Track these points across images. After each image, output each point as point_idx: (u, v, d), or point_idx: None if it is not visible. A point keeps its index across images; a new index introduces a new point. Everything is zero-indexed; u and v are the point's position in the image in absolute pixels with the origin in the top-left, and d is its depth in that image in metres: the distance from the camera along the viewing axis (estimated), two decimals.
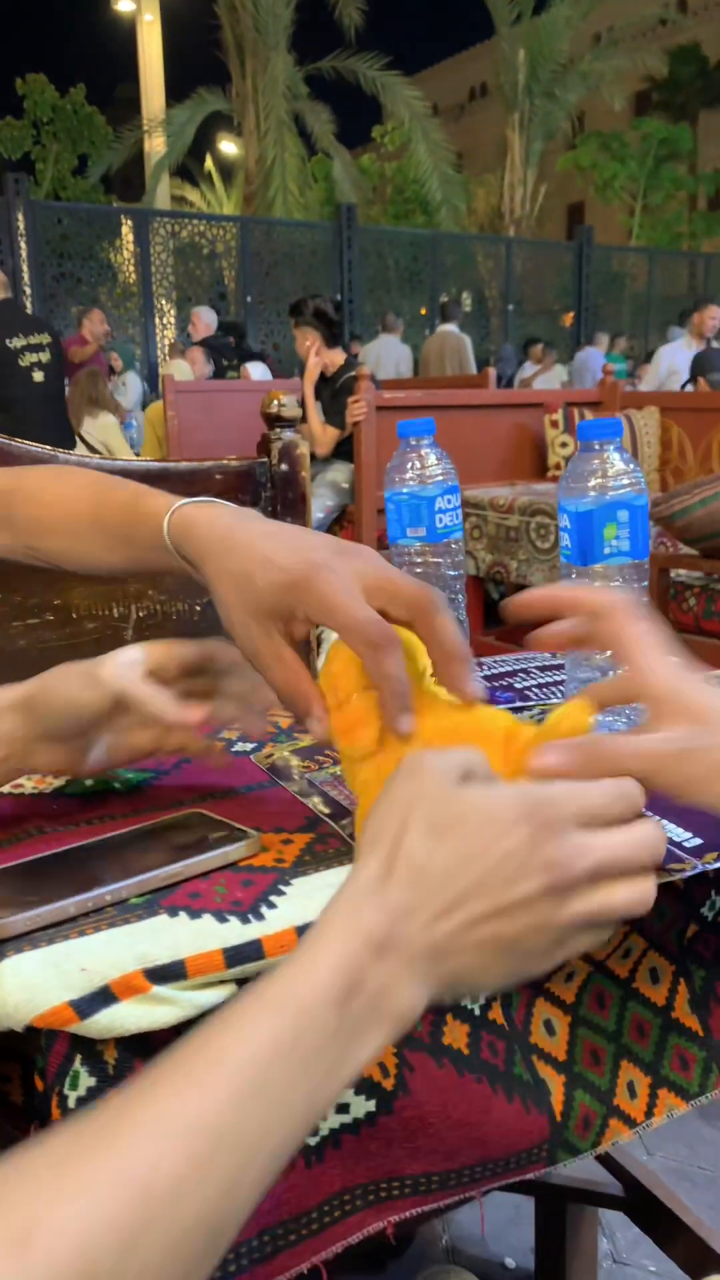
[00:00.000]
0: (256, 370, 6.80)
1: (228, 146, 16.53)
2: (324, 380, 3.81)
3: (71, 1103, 0.50)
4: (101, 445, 5.21)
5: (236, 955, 0.51)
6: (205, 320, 7.58)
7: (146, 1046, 0.51)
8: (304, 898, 0.54)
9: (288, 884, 0.56)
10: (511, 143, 14.11)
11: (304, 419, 1.50)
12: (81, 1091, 0.51)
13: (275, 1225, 0.54)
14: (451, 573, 0.88)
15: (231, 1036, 0.35)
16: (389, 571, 0.55)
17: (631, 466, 0.76)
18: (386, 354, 7.87)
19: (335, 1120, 0.55)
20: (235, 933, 0.52)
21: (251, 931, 0.52)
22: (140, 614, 1.46)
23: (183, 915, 0.53)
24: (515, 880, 0.38)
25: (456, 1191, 0.60)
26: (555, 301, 13.45)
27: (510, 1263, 1.27)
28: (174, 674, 0.63)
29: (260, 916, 0.53)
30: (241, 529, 0.57)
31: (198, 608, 1.50)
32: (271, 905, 0.54)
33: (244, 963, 0.51)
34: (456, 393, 4.10)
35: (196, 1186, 0.32)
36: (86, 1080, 0.51)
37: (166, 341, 10.70)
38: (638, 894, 0.41)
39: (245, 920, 0.52)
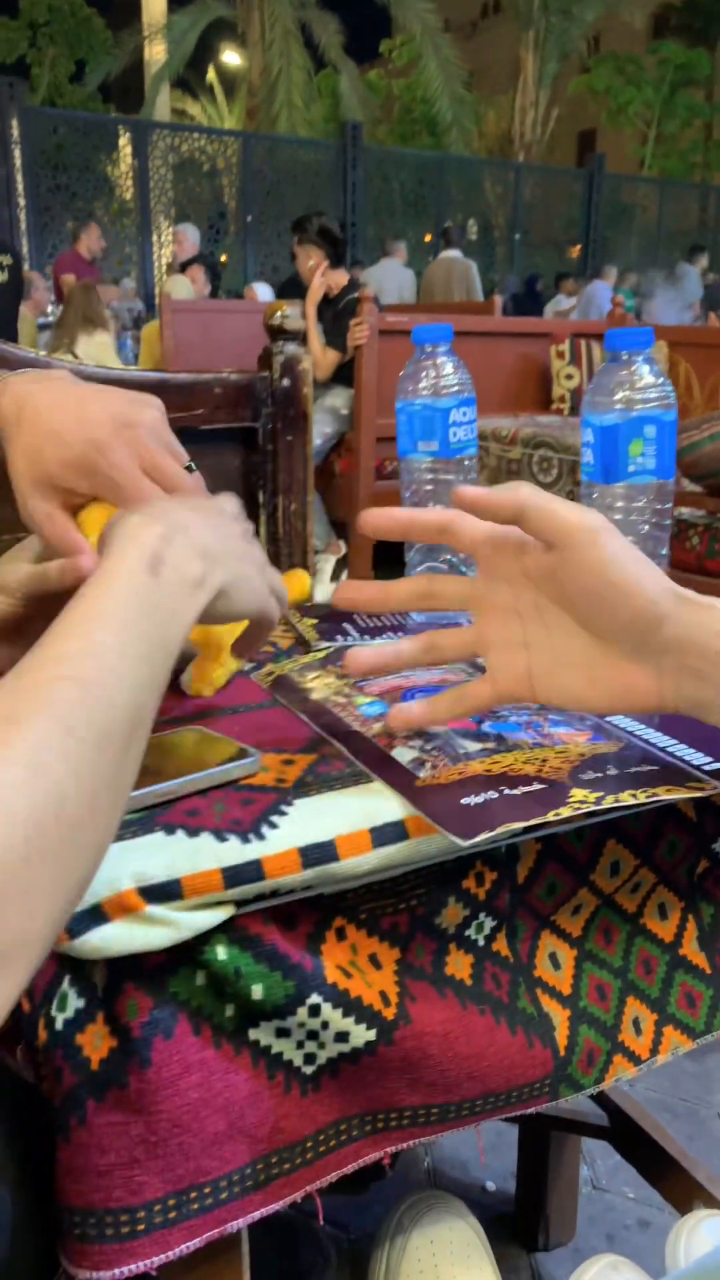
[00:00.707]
0: (263, 291, 6.61)
1: (230, 57, 15.90)
2: (326, 302, 3.70)
3: (59, 1025, 0.48)
4: (96, 365, 5.08)
5: (235, 875, 0.48)
6: (191, 239, 7.33)
7: (138, 968, 0.48)
8: (307, 818, 0.51)
9: (289, 804, 0.53)
10: (525, 63, 13.59)
11: (303, 341, 1.44)
12: (69, 1014, 0.48)
13: (270, 1153, 0.52)
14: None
15: (88, 617, 0.43)
16: (161, 450, 0.60)
17: (661, 380, 0.71)
18: (389, 278, 7.64)
19: (334, 1049, 0.53)
20: (234, 852, 0.49)
21: (251, 851, 0.49)
22: None
23: (180, 833, 0.50)
24: (226, 520, 0.55)
25: (455, 1124, 0.58)
26: (562, 233, 13.12)
27: (491, 1186, 1.28)
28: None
29: (261, 836, 0.50)
30: (32, 401, 0.60)
31: None
32: (273, 825, 0.51)
33: (243, 883, 0.48)
34: (463, 319, 3.99)
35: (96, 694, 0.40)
36: (75, 1002, 0.48)
37: (164, 261, 10.42)
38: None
39: (245, 839, 0.49)
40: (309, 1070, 0.53)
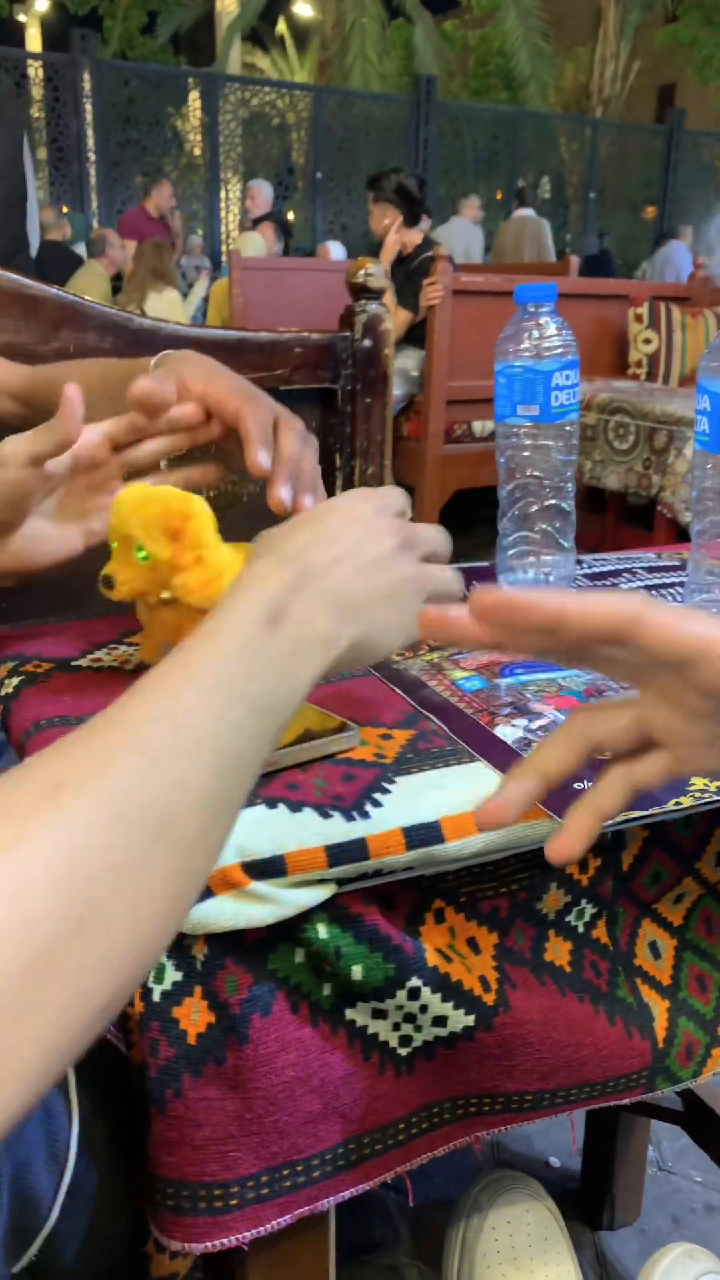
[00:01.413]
0: (336, 249, 6.51)
1: (302, 9, 15.63)
2: (399, 260, 3.63)
3: (156, 996, 0.47)
4: (163, 321, 5.07)
5: (340, 853, 0.47)
6: (264, 195, 7.24)
7: (238, 944, 0.47)
8: (410, 797, 0.50)
9: (391, 781, 0.51)
10: (606, 12, 13.13)
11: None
12: (167, 986, 0.47)
13: (362, 1134, 0.51)
14: (563, 458, 0.81)
15: (183, 670, 0.37)
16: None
17: None
18: (457, 237, 7.49)
19: (430, 1032, 0.52)
20: (339, 829, 0.47)
21: (356, 830, 0.47)
22: (210, 494, 1.40)
23: (282, 807, 0.49)
24: (376, 540, 0.47)
25: (548, 1111, 0.57)
26: (638, 192, 12.73)
27: (555, 1162, 1.27)
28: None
29: (365, 814, 0.48)
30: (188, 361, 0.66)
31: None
32: (376, 804, 0.49)
33: (346, 862, 0.47)
34: (538, 279, 3.91)
35: (185, 768, 0.35)
36: (172, 975, 0.47)
37: (231, 218, 10.34)
38: (452, 575, 0.51)
39: (349, 817, 0.48)
40: (404, 1052, 0.52)
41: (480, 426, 3.60)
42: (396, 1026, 0.51)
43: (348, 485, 1.44)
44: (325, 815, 0.48)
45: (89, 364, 0.80)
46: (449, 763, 0.53)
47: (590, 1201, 1.19)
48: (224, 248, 10.08)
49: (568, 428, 0.80)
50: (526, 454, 0.80)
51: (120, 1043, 0.51)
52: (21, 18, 14.99)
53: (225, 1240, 0.48)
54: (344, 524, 0.46)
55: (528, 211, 7.43)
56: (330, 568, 0.44)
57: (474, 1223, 0.74)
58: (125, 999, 0.33)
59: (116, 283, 6.09)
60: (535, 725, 0.56)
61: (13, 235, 2.52)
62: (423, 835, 0.48)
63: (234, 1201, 0.48)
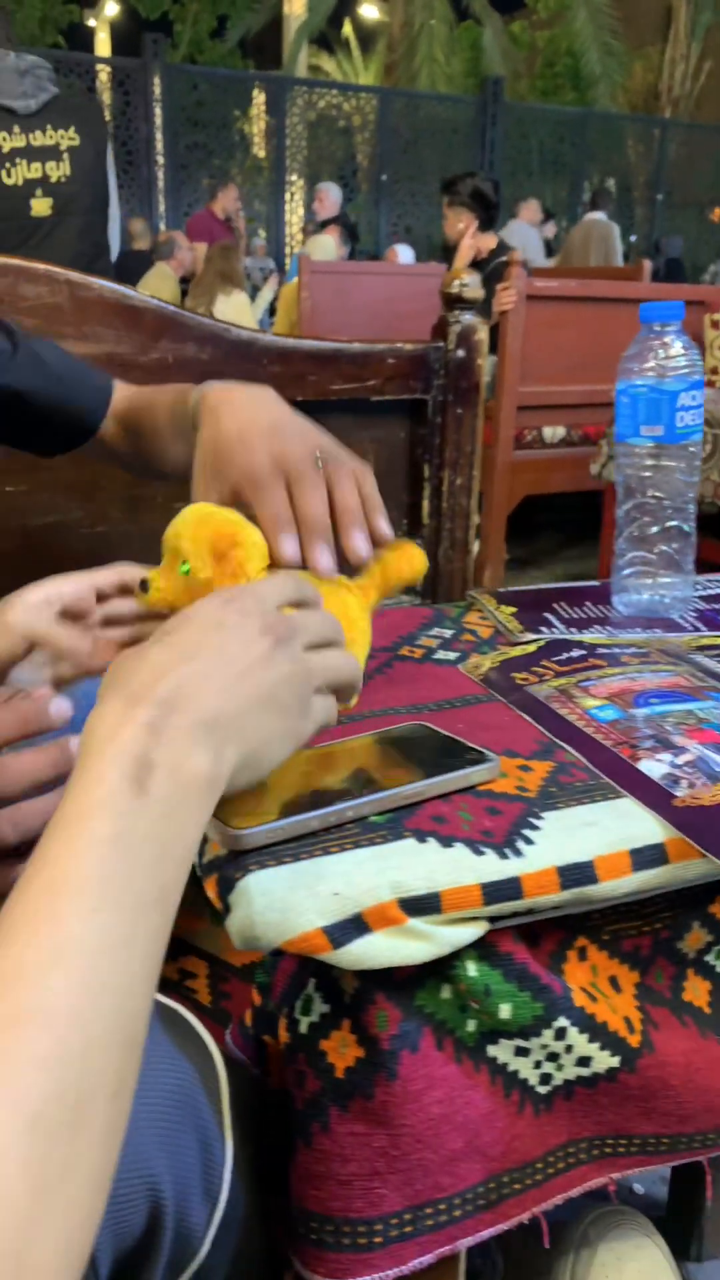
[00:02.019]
0: (405, 253, 6.50)
1: (369, 11, 15.64)
2: (473, 265, 3.62)
3: (303, 1028, 0.47)
4: (232, 325, 5.10)
5: (494, 892, 0.46)
6: (333, 198, 7.26)
7: (388, 979, 0.46)
8: (563, 834, 0.49)
9: (539, 818, 0.50)
10: (677, 12, 12.96)
11: (480, 310, 1.40)
12: (314, 1017, 0.47)
13: (502, 1172, 0.51)
14: (686, 479, 0.79)
15: (52, 868, 0.33)
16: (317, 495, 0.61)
17: None
18: (514, 240, 7.43)
19: (572, 1072, 0.51)
20: (493, 867, 0.47)
21: (510, 868, 0.47)
22: None
23: (432, 841, 0.48)
24: (243, 644, 0.43)
25: (685, 1155, 0.56)
26: (706, 193, 12.53)
27: (639, 1188, 1.25)
28: (89, 606, 0.62)
29: (518, 852, 0.48)
30: (225, 406, 0.67)
31: None
32: (528, 841, 0.48)
33: (501, 900, 0.46)
34: (612, 284, 3.85)
35: (95, 998, 0.31)
36: (320, 1006, 0.47)
37: (295, 220, 10.38)
38: (344, 660, 0.49)
39: (503, 855, 0.47)
40: (543, 1090, 0.51)
41: (551, 433, 3.57)
42: (538, 1065, 0.50)
43: (436, 497, 1.43)
44: (478, 852, 0.47)
45: (164, 391, 0.84)
46: (594, 798, 0.52)
47: (677, 1231, 1.17)
48: (287, 250, 10.13)
49: (691, 448, 0.78)
50: (647, 474, 0.79)
51: (246, 1057, 0.51)
52: (91, 23, 15.20)
53: (369, 1278, 0.47)
54: (201, 634, 0.42)
55: (599, 215, 7.35)
56: (191, 692, 0.39)
57: (583, 1257, 0.73)
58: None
59: (184, 285, 6.15)
60: (681, 760, 0.55)
61: (94, 241, 2.56)
62: (577, 875, 0.47)
63: (378, 1239, 0.47)
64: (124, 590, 0.64)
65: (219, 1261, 0.46)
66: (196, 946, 0.61)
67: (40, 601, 0.60)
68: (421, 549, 0.67)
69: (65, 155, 2.40)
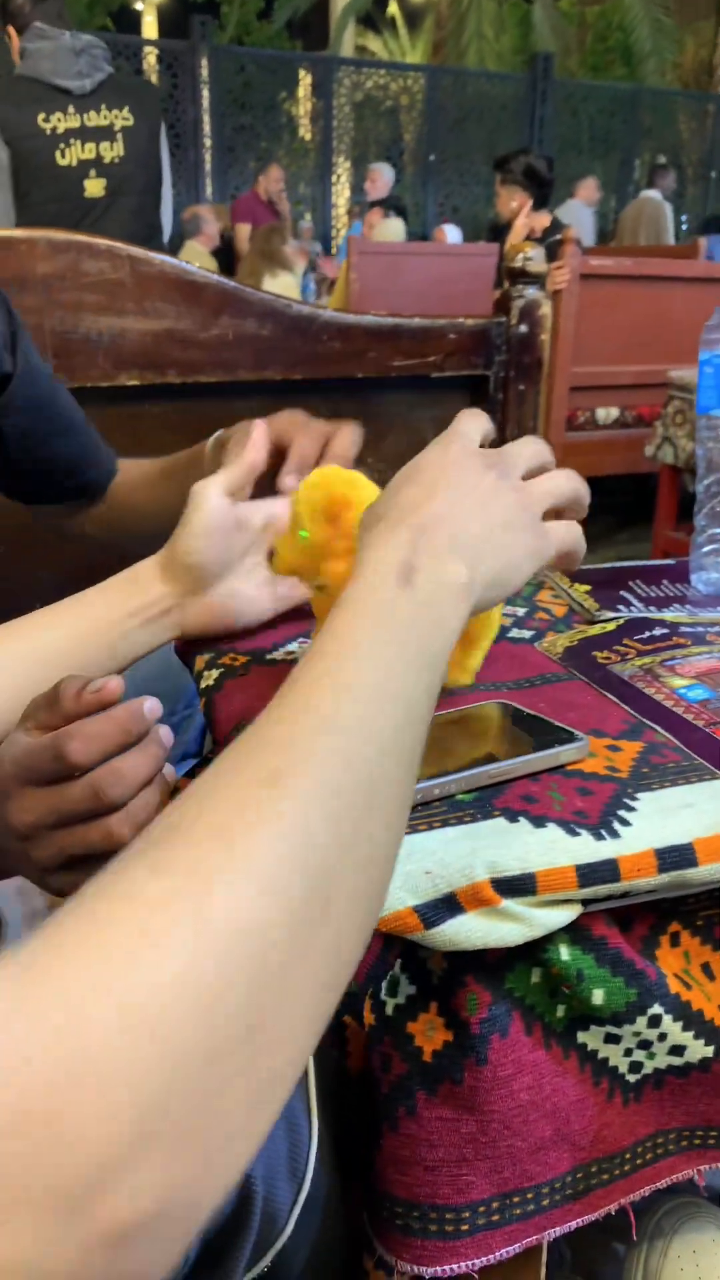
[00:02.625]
0: (453, 233, 6.43)
1: None
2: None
3: (389, 1009, 0.46)
4: None
5: (590, 874, 0.44)
6: (385, 178, 7.20)
7: (478, 961, 0.45)
8: (660, 816, 0.47)
9: (634, 799, 0.49)
10: None
11: (543, 285, 1.38)
12: (401, 1000, 0.46)
13: (590, 1162, 0.49)
14: None
15: (337, 645, 0.37)
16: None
17: None
18: (569, 221, 7.32)
19: (664, 1060, 0.49)
20: (588, 848, 0.45)
21: (606, 849, 0.45)
22: None
23: (524, 821, 0.47)
24: (473, 478, 0.46)
25: None
26: None
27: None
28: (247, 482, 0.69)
29: (615, 834, 0.46)
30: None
31: None
32: (625, 822, 0.47)
33: (597, 883, 0.44)
34: (667, 263, 3.78)
35: (360, 741, 0.35)
36: (406, 988, 0.46)
37: (342, 201, 10.32)
38: (562, 481, 0.50)
39: (598, 836, 0.46)
40: (633, 1079, 0.50)
41: (604, 414, 3.52)
42: (629, 1052, 0.49)
43: None
44: (573, 833, 0.46)
45: (147, 464, 0.90)
46: (690, 779, 0.50)
47: None
48: (334, 232, 10.07)
49: None
50: None
51: (330, 1046, 0.50)
52: (139, 5, 15.20)
53: (455, 1266, 0.46)
54: (438, 473, 0.46)
55: (653, 193, 7.22)
56: (443, 517, 0.43)
57: (657, 1247, 0.72)
58: (356, 966, 0.34)
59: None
60: None
61: (148, 223, 2.55)
62: (675, 858, 0.45)
63: (465, 1227, 0.46)
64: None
65: (301, 1242, 0.46)
66: None
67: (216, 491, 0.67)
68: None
69: (119, 135, 2.39)
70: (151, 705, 0.49)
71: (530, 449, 0.50)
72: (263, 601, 0.71)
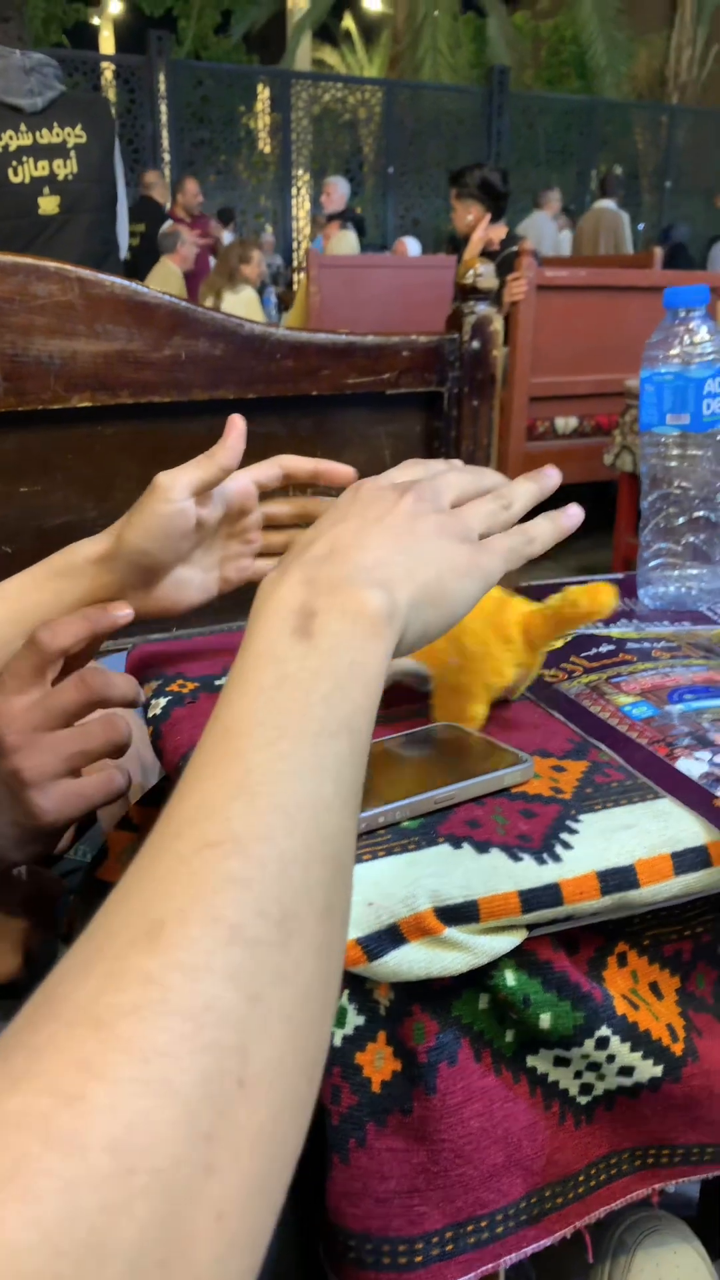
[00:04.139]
0: (413, 245, 6.46)
1: (372, 3, 15.57)
2: (484, 256, 3.59)
3: (338, 1040, 0.46)
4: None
5: (532, 899, 0.44)
6: (340, 191, 7.22)
7: (424, 990, 0.45)
8: (601, 838, 0.47)
9: (577, 820, 0.49)
10: None
11: (494, 301, 1.39)
12: (349, 1030, 0.46)
13: (544, 1186, 0.49)
14: (713, 467, 0.77)
15: (234, 730, 0.33)
16: None
17: None
18: (529, 233, 7.38)
19: (614, 1082, 0.49)
20: (531, 873, 0.45)
21: (549, 874, 0.45)
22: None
23: (467, 847, 0.47)
24: (386, 501, 0.43)
25: None
26: (713, 180, 12.45)
27: (670, 1187, 1.23)
28: (252, 505, 0.67)
29: (556, 857, 0.46)
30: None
31: None
32: (567, 845, 0.47)
33: (540, 908, 0.45)
34: (622, 273, 3.82)
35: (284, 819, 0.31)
36: (354, 1019, 0.46)
37: (303, 214, 10.35)
38: (493, 508, 0.46)
39: (541, 860, 0.46)
40: (584, 1101, 0.50)
41: (563, 423, 3.55)
42: (578, 1075, 0.49)
43: None
44: (515, 858, 0.46)
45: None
46: (632, 799, 0.51)
47: (709, 1230, 1.15)
48: (295, 245, 10.09)
49: (719, 436, 0.76)
50: (673, 464, 0.77)
51: None
52: (95, 20, 15.19)
53: None
54: (341, 511, 0.43)
55: (608, 203, 7.30)
56: (344, 547, 0.40)
57: (620, 1262, 0.72)
58: (305, 1128, 0.29)
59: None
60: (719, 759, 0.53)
61: (103, 239, 2.54)
62: (617, 880, 0.46)
63: (419, 1259, 0.46)
64: (285, 484, 0.68)
65: (257, 1276, 0.45)
66: None
67: (187, 491, 0.60)
68: (614, 588, 0.56)
69: (72, 153, 2.39)
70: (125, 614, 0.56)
71: (458, 476, 0.47)
72: (210, 586, 0.67)
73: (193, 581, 0.65)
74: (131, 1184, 0.22)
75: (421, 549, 0.41)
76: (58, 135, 2.38)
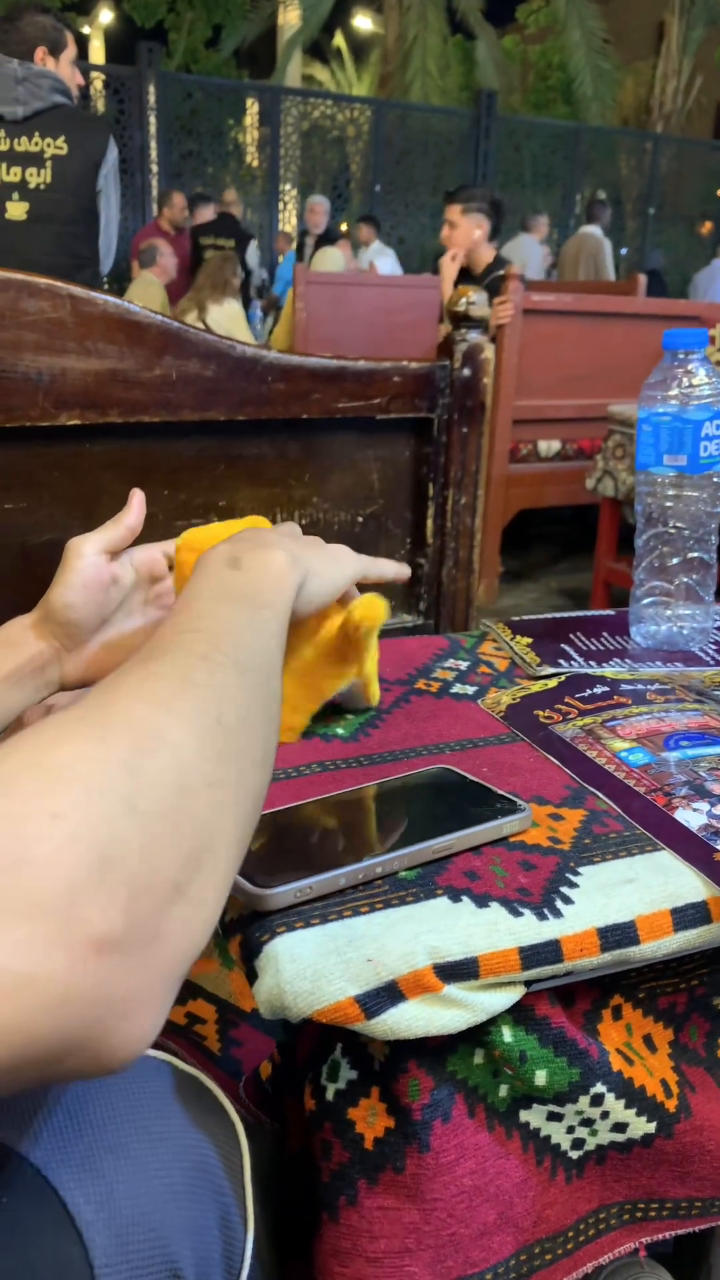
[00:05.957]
0: (385, 264, 6.50)
1: (361, 22, 15.68)
2: (469, 278, 3.61)
3: (330, 1095, 0.45)
4: (227, 336, 5.07)
5: (533, 956, 0.44)
6: (325, 209, 7.25)
7: (420, 1046, 0.44)
8: (601, 893, 0.47)
9: (576, 873, 0.48)
10: (670, 28, 13.03)
11: (486, 329, 1.39)
12: (341, 1084, 0.45)
13: (533, 1243, 0.48)
14: (708, 509, 0.77)
15: (180, 619, 0.44)
16: None
17: None
18: (515, 256, 7.42)
19: (606, 1137, 0.49)
20: (531, 929, 0.44)
21: (549, 930, 0.45)
22: (304, 521, 1.38)
23: (466, 901, 0.46)
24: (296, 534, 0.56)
25: (718, 1218, 0.53)
26: (695, 207, 12.62)
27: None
28: (162, 571, 0.72)
29: (557, 913, 0.45)
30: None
31: (359, 518, 1.42)
32: (567, 899, 0.46)
33: (540, 964, 0.44)
34: (607, 299, 3.85)
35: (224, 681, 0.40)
36: (347, 1073, 0.45)
37: (290, 230, 10.38)
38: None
39: (541, 915, 0.45)
40: (575, 1155, 0.49)
41: (546, 446, 3.57)
42: (571, 1129, 0.48)
43: (440, 516, 1.42)
44: (515, 913, 0.45)
45: None
46: (631, 851, 0.50)
47: (685, 1270, 1.14)
48: (280, 258, 10.11)
49: (715, 478, 0.76)
50: (669, 504, 0.77)
51: (251, 1116, 0.49)
52: (86, 30, 15.20)
53: None
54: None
55: (593, 229, 7.36)
56: (263, 536, 0.52)
57: None
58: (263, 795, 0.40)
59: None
60: (719, 810, 0.53)
61: (74, 252, 2.53)
62: (618, 937, 0.45)
63: None
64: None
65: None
66: (205, 990, 0.58)
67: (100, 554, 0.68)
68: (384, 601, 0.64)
69: (48, 163, 2.39)
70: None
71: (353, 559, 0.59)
72: (138, 648, 0.70)
73: (121, 645, 0.70)
74: (167, 761, 0.35)
75: (306, 546, 0.54)
76: (36, 145, 2.39)
